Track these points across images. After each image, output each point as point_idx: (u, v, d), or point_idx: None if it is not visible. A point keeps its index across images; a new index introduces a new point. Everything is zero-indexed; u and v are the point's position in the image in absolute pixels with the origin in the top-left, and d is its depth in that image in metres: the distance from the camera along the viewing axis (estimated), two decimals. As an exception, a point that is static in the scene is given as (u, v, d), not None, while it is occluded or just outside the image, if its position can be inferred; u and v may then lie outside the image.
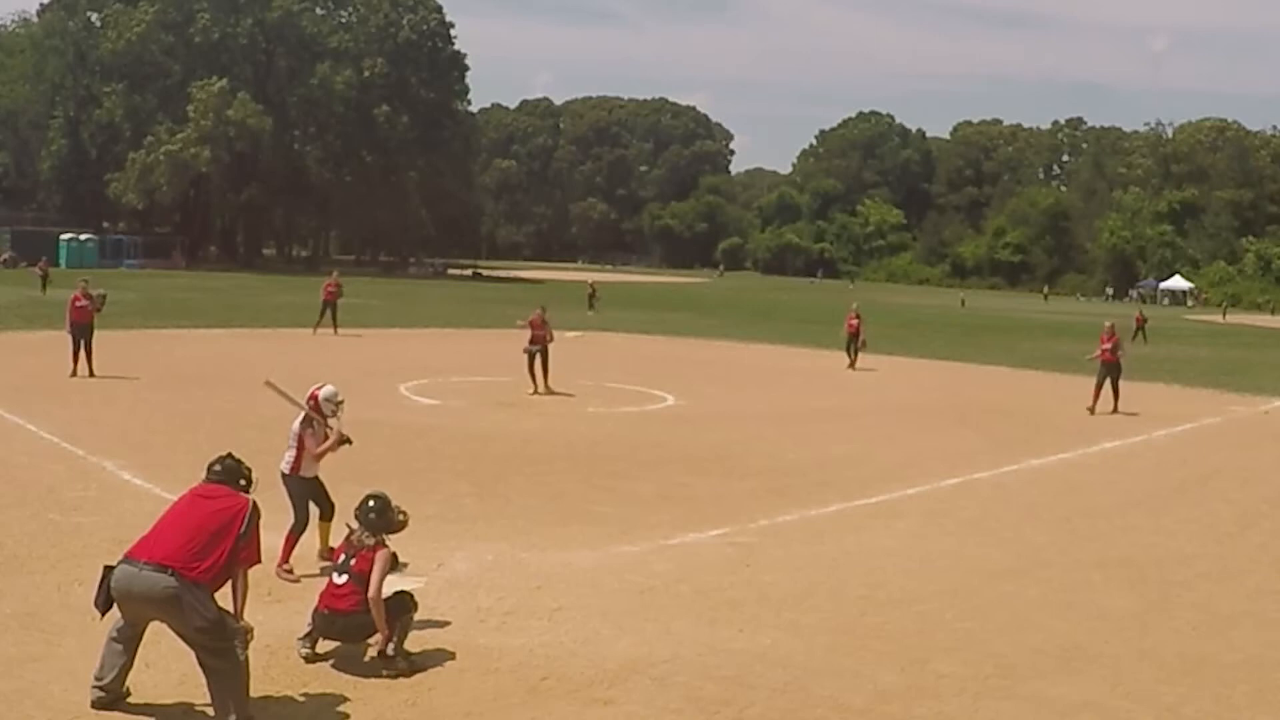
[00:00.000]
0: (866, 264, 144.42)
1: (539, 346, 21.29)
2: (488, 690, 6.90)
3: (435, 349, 30.17)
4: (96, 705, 6.32)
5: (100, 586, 6.24)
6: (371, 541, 7.27)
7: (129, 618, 6.29)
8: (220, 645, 6.08)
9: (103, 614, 6.30)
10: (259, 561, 6.48)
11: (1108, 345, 21.80)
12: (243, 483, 6.57)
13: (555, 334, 22.14)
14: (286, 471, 9.21)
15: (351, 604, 7.07)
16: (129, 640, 6.37)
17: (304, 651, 7.26)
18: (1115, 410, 21.29)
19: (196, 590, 6.04)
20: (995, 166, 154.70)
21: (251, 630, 6.27)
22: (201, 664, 6.15)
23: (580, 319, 41.58)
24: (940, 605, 9.00)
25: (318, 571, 8.72)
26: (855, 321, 29.46)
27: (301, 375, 22.14)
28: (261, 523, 6.49)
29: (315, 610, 7.24)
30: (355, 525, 7.41)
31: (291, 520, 9.13)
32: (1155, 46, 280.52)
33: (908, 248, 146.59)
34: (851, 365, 29.03)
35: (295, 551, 9.07)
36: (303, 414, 9.27)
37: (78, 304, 20.92)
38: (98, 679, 6.34)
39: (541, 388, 20.89)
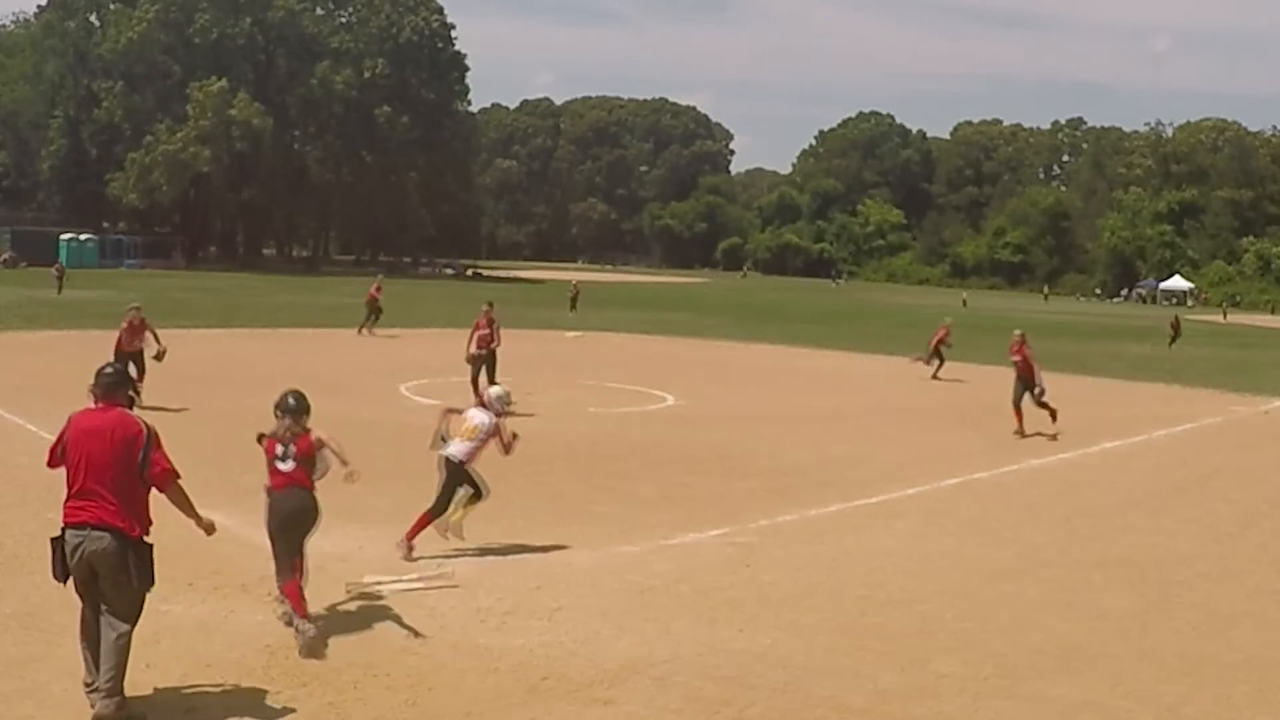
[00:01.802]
0: (866, 264, 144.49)
1: (484, 351, 18.65)
2: (488, 690, 6.90)
3: (435, 349, 30.11)
4: (100, 715, 6.13)
5: (55, 558, 6.35)
6: (302, 429, 7.95)
7: (81, 587, 6.36)
8: (132, 611, 6.32)
9: (64, 582, 6.40)
10: (175, 473, 6.58)
11: (1016, 357, 19.06)
12: (122, 392, 6.81)
13: (554, 334, 21.38)
14: (461, 460, 9.80)
15: (298, 479, 7.81)
16: (96, 634, 6.37)
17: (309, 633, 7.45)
18: (1053, 424, 18.55)
19: (140, 550, 6.32)
20: (995, 166, 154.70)
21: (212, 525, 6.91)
22: (107, 625, 6.26)
23: (564, 319, 41.46)
24: (940, 605, 9.00)
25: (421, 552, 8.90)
26: (943, 334, 28.08)
27: (300, 375, 22.19)
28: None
29: (269, 489, 7.92)
30: (280, 419, 7.98)
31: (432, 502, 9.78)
32: (1155, 46, 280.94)
33: (908, 248, 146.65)
34: (928, 369, 27.55)
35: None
36: (494, 414, 10.14)
37: (129, 334, 18.47)
38: (87, 683, 6.30)
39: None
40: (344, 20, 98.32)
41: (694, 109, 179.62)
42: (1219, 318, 78.36)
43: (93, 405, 6.64)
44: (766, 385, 25.38)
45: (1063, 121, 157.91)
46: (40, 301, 38.57)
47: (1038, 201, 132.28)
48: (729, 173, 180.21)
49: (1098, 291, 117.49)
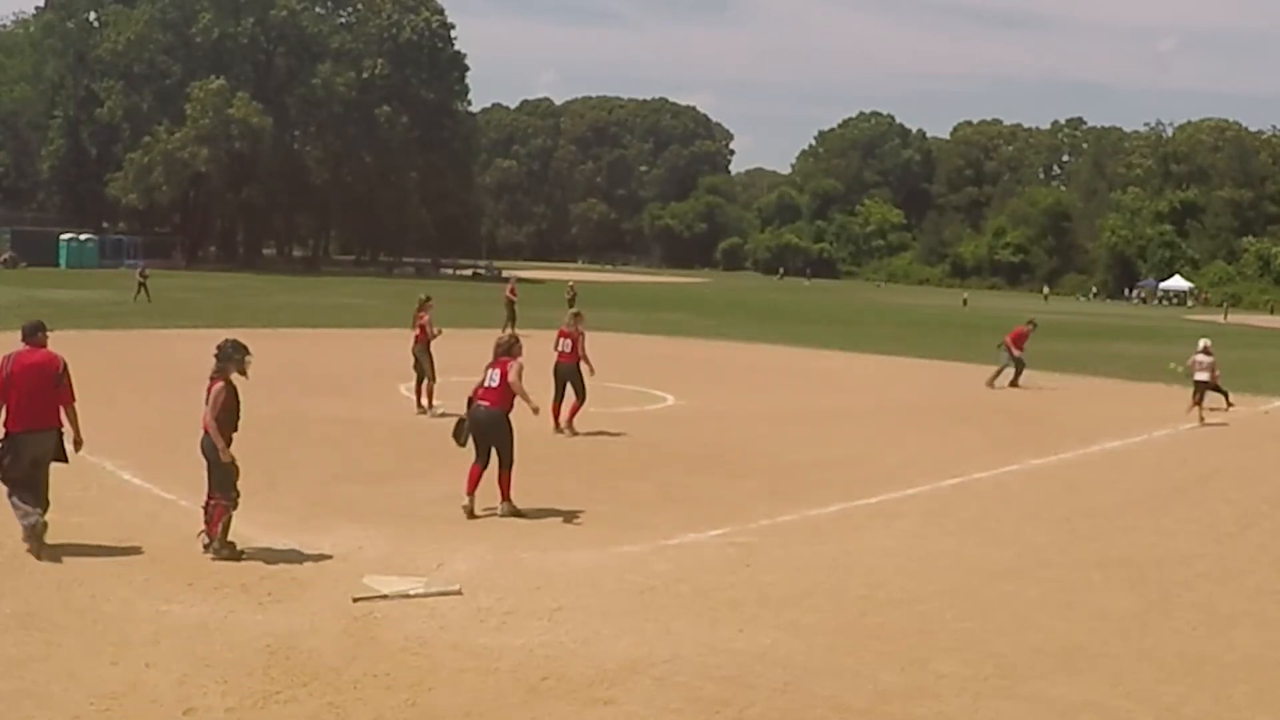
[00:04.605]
0: (866, 264, 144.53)
1: (422, 348, 17.95)
2: (488, 690, 6.89)
3: (435, 349, 30.08)
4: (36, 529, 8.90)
5: (11, 454, 9.05)
6: (214, 373, 9.48)
7: (32, 467, 9.19)
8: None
9: (29, 469, 9.13)
10: (74, 399, 9.43)
11: (567, 345, 17.26)
12: (42, 334, 9.40)
13: (554, 334, 20.88)
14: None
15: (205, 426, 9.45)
16: (36, 486, 9.18)
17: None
18: (569, 423, 16.88)
19: (61, 435, 9.40)
20: (995, 166, 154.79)
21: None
22: (43, 478, 9.30)
23: (564, 319, 41.32)
24: (940, 605, 8.99)
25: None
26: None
27: (300, 375, 22.20)
28: None
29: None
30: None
31: None
32: (1156, 47, 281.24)
33: (908, 248, 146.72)
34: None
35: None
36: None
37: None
38: (30, 523, 8.95)
39: (426, 404, 17.58)
40: (344, 20, 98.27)
41: (694, 109, 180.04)
42: (1219, 318, 78.32)
43: (23, 347, 9.27)
44: (766, 385, 25.36)
45: (1063, 121, 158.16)
46: (40, 301, 38.50)
47: (1038, 201, 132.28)
48: (729, 173, 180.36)
49: (1095, 290, 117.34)
